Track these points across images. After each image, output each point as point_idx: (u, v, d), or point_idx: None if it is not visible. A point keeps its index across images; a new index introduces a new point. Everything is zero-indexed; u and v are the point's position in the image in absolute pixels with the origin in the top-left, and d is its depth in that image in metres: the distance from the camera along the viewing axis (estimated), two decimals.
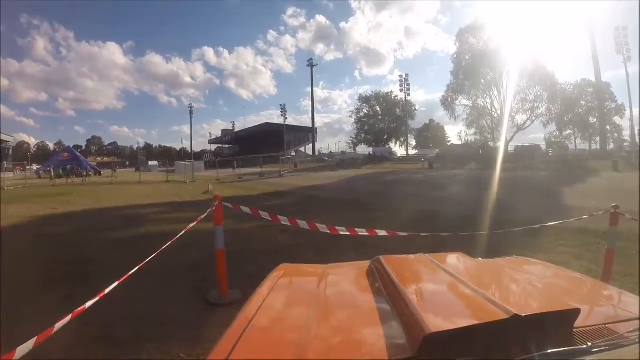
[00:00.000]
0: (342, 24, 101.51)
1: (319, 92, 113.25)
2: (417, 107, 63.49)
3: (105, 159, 55.12)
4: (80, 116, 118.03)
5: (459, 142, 51.65)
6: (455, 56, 44.13)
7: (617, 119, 48.13)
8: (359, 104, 61.84)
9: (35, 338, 1.32)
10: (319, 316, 1.03)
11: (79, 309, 1.56)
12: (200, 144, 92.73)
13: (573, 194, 10.10)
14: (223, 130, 74.83)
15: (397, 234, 2.64)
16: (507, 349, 0.79)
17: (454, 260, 1.60)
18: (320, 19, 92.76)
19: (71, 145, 45.17)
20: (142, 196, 13.62)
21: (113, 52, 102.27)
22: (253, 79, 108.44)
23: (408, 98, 57.33)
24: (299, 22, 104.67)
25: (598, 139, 44.92)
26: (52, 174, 25.92)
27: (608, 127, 46.84)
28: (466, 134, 50.59)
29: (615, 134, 48.37)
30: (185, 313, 2.89)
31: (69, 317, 1.53)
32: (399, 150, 58.15)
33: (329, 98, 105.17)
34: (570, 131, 52.02)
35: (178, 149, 78.73)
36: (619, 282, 3.18)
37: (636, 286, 3.03)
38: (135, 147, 75.27)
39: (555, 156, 34.96)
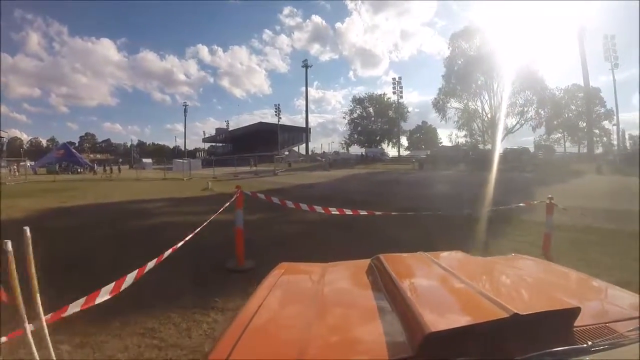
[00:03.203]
0: (338, 25, 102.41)
1: (313, 92, 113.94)
2: (410, 109, 64.95)
3: (99, 156, 55.02)
4: (73, 112, 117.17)
5: (450, 144, 53.20)
6: (447, 60, 45.47)
7: (606, 123, 49.56)
8: (352, 105, 62.90)
9: (114, 283, 2.00)
10: (318, 315, 1.05)
11: (150, 263, 2.40)
12: (193, 142, 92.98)
13: (546, 193, 11.11)
14: (217, 129, 75.32)
15: (374, 213, 3.52)
16: (507, 347, 0.79)
17: (453, 258, 1.63)
18: (317, 19, 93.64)
19: (64, 142, 45.07)
20: (144, 192, 14.35)
21: (107, 48, 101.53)
22: (247, 78, 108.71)
23: (401, 100, 58.44)
24: (295, 22, 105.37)
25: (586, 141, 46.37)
26: (57, 170, 26.36)
27: (597, 131, 48.49)
28: (457, 136, 51.97)
29: (605, 138, 49.64)
30: (212, 276, 3.75)
31: (153, 262, 2.36)
32: (391, 151, 59.28)
33: (322, 98, 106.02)
34: (560, 134, 53.35)
35: (171, 147, 79.16)
36: (572, 264, 4.07)
37: (588, 269, 3.28)
38: (128, 144, 75.56)
39: (543, 159, 36.15)
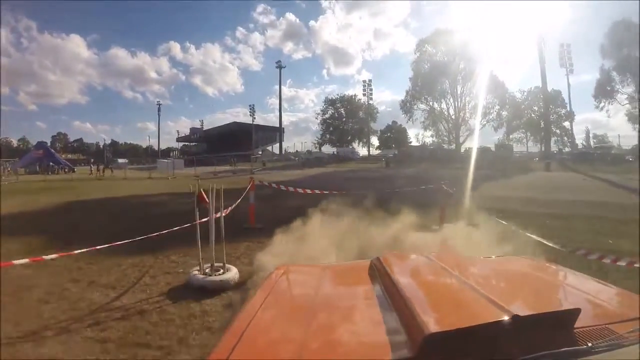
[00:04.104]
0: (312, 23, 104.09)
1: (286, 91, 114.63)
2: (383, 107, 69.02)
3: (70, 156, 54.53)
4: (43, 111, 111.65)
5: (417, 144, 57.05)
6: (414, 64, 49.08)
7: (567, 124, 52.51)
8: (324, 106, 65.71)
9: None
10: (318, 316, 1.08)
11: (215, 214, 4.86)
12: (166, 141, 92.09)
13: (482, 186, 13.96)
14: (191, 129, 75.73)
15: (332, 192, 6.14)
16: (507, 349, 0.80)
17: (454, 259, 1.64)
18: (291, 17, 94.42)
19: (40, 141, 44.69)
20: (142, 188, 16.17)
21: (77, 45, 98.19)
22: (220, 76, 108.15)
23: (372, 101, 61.87)
24: (269, 20, 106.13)
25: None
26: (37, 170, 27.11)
27: (558, 130, 52.03)
28: (423, 136, 55.97)
29: (565, 137, 52.64)
30: (237, 231, 6.16)
31: (218, 214, 4.77)
32: (362, 150, 62.33)
33: (295, 96, 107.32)
34: (522, 134, 56.43)
35: (144, 147, 78.88)
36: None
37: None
38: (100, 143, 74.66)
39: (501, 157, 38.12)
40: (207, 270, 3.86)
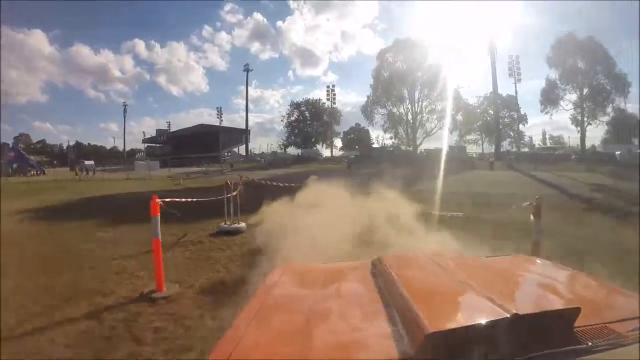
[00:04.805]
0: (279, 23, 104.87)
1: (251, 91, 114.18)
2: (348, 109, 71.96)
3: (34, 158, 53.62)
4: (2, 111, 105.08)
5: (377, 146, 61.27)
6: (374, 72, 53.36)
7: (521, 127, 57.59)
8: (290, 109, 68.86)
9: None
10: (319, 315, 1.11)
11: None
12: (129, 142, 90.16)
13: (414, 182, 17.99)
14: (157, 130, 75.98)
15: (290, 185, 9.69)
16: (507, 348, 0.81)
17: (454, 259, 1.65)
18: (258, 16, 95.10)
19: (5, 143, 43.94)
20: (132, 187, 18.68)
21: (39, 41, 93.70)
22: (185, 75, 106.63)
23: (335, 105, 65.82)
24: (236, 19, 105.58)
25: (504, 142, 55.20)
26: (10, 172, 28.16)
27: (511, 133, 56.39)
28: (383, 138, 60.31)
29: (519, 140, 56.94)
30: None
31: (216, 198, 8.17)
32: (325, 152, 65.92)
33: (261, 97, 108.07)
34: (478, 136, 60.40)
35: (108, 148, 77.95)
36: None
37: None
38: (65, 145, 72.92)
39: (455, 158, 40.23)
40: (229, 223, 7.33)
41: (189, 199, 6.67)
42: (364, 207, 6.85)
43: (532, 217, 4.84)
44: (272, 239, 5.26)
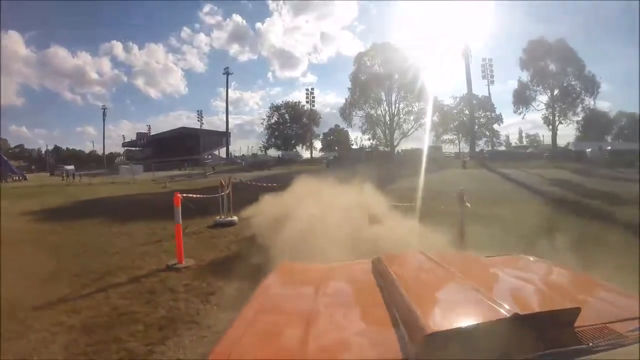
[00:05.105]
0: (258, 25, 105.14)
1: (231, 93, 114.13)
2: (328, 110, 74.57)
3: (12, 163, 52.75)
4: None
5: (356, 147, 63.39)
6: (352, 75, 54.99)
7: (496, 126, 60.36)
8: (270, 112, 70.30)
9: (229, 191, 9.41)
10: (319, 316, 1.10)
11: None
12: (107, 146, 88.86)
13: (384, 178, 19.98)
14: (138, 134, 75.58)
15: (273, 185, 11.24)
16: (507, 348, 0.80)
17: (454, 259, 1.70)
18: (237, 18, 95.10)
19: None
20: (122, 190, 19.74)
21: (14, 42, 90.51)
22: (163, 77, 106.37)
23: (315, 107, 67.36)
24: (215, 21, 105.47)
25: (480, 141, 57.62)
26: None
27: (487, 132, 58.59)
28: (361, 139, 62.24)
29: (494, 139, 59.63)
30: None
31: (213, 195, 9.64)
32: (305, 153, 67.89)
33: (240, 99, 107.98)
34: (454, 135, 63.22)
35: (87, 152, 76.96)
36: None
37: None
38: (43, 149, 71.46)
39: (431, 157, 41.30)
40: (223, 217, 8.83)
41: (200, 195, 8.40)
42: (333, 199, 8.21)
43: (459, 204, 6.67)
44: (261, 228, 6.82)
